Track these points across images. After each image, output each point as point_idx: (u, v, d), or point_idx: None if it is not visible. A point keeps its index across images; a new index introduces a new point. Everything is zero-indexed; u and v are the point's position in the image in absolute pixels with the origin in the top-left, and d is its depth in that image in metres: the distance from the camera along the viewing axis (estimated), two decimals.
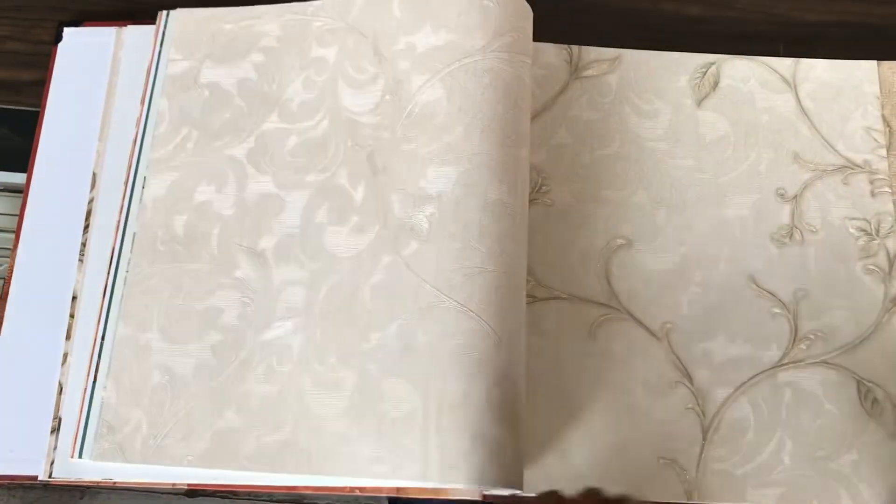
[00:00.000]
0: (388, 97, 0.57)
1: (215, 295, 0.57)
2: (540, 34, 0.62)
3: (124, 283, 0.58)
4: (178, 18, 0.64)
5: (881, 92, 0.64)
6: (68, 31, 0.66)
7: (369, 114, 0.57)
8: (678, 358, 0.57)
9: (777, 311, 0.58)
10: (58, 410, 0.57)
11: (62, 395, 0.57)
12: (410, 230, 0.54)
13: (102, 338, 0.57)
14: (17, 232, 0.61)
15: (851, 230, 0.60)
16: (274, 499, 0.58)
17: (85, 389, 0.56)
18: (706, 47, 0.66)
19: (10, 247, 0.61)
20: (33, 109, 0.65)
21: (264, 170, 0.59)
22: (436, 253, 0.53)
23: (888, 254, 0.59)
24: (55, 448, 0.56)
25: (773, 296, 0.59)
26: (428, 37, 0.57)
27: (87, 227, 0.61)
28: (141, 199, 0.60)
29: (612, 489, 0.54)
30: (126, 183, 0.61)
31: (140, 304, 0.58)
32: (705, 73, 0.64)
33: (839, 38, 0.67)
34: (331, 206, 0.57)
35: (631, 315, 0.58)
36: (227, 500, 0.59)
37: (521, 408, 0.54)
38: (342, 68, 0.60)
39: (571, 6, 0.68)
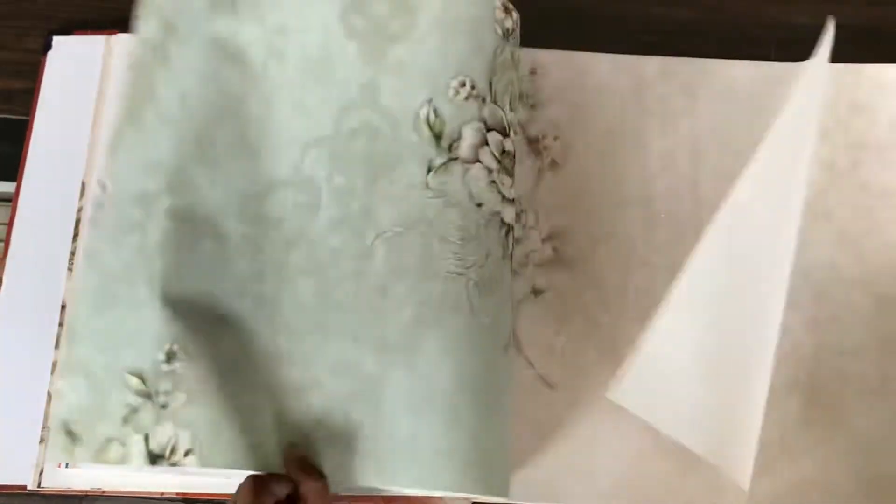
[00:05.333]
0: None
1: None
2: (531, 40, 0.62)
3: None
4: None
5: None
6: (58, 40, 0.66)
7: None
8: None
9: None
10: (47, 420, 0.57)
11: (51, 405, 0.57)
12: None
13: None
14: (7, 241, 0.61)
15: None
16: None
17: None
18: (696, 51, 0.65)
19: (0, 255, 0.61)
20: (23, 118, 0.65)
21: None
22: None
23: None
24: (44, 457, 0.56)
25: None
26: None
27: (76, 235, 0.61)
28: None
29: None
30: None
31: None
32: None
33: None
34: None
35: None
36: None
37: (508, 415, 0.54)
38: None
39: (562, 12, 0.68)
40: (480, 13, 0.57)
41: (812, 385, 0.58)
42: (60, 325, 0.59)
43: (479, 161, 0.55)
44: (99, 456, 0.50)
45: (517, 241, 0.60)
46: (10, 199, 0.63)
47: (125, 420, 0.50)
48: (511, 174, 0.57)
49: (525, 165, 0.63)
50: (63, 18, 0.68)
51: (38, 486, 0.56)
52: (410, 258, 0.53)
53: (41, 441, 0.57)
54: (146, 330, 0.51)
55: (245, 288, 0.54)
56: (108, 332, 0.51)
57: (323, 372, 0.52)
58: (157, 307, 0.52)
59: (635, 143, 0.63)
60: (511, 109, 0.58)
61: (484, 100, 0.56)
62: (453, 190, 0.54)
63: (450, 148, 0.55)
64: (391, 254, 0.53)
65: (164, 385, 0.50)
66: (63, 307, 0.59)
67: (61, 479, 0.56)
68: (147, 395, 0.50)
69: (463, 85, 0.56)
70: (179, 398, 0.50)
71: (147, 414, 0.50)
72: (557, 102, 0.64)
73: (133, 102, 0.55)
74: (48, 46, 0.66)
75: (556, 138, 0.64)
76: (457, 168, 0.55)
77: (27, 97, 0.65)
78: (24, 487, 0.56)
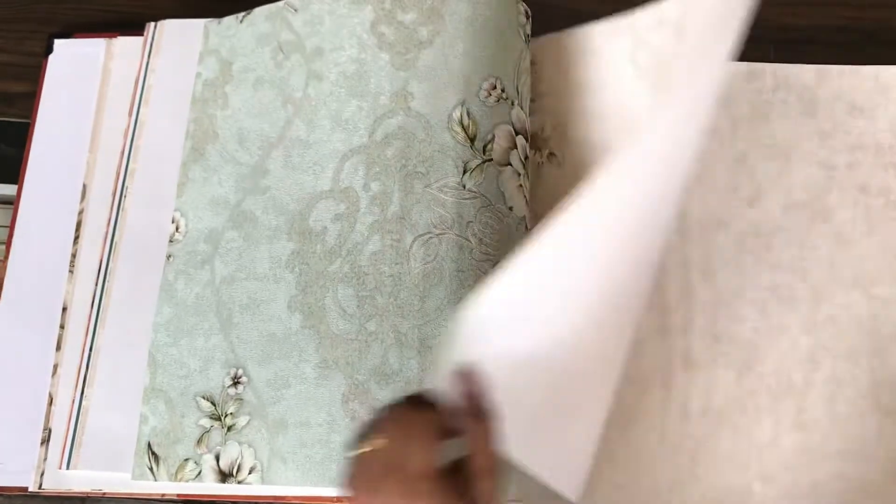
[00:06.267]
0: None
1: None
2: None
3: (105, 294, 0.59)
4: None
5: None
6: (59, 43, 0.66)
7: None
8: None
9: None
10: (48, 422, 0.57)
11: (52, 406, 0.57)
12: None
13: (90, 349, 0.57)
14: (8, 243, 0.62)
15: None
16: None
17: (73, 400, 0.56)
18: None
19: (1, 258, 0.62)
20: (25, 121, 0.65)
21: None
22: None
23: None
24: (45, 459, 0.56)
25: None
26: None
27: (77, 238, 0.61)
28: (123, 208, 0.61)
29: None
30: (114, 194, 0.61)
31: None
32: None
33: (830, 43, 0.66)
34: None
35: None
36: None
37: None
38: None
39: (562, 11, 0.68)
40: (506, 17, 0.58)
41: (806, 387, 0.58)
42: (61, 327, 0.59)
43: (509, 164, 0.55)
44: (177, 475, 0.54)
45: None
46: (12, 202, 0.63)
47: (199, 441, 0.54)
48: (528, 179, 0.57)
49: None
50: (63, 22, 0.68)
51: (40, 487, 0.56)
52: (449, 260, 0.54)
53: (42, 443, 0.57)
54: (215, 356, 0.55)
55: (294, 302, 0.55)
56: (183, 360, 0.56)
57: (367, 377, 0.53)
58: (223, 335, 0.55)
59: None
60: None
61: (513, 103, 0.57)
62: (488, 191, 0.55)
63: (484, 150, 0.55)
64: (429, 256, 0.54)
65: (231, 408, 0.54)
66: (64, 309, 0.59)
67: (62, 481, 0.56)
68: (217, 418, 0.54)
69: (494, 87, 0.56)
70: (243, 420, 0.54)
71: (217, 435, 0.54)
72: (554, 92, 0.64)
73: (196, 141, 0.60)
74: (49, 50, 0.66)
75: (554, 128, 0.63)
76: (491, 170, 0.55)
77: (28, 100, 0.65)
78: (26, 489, 0.56)
